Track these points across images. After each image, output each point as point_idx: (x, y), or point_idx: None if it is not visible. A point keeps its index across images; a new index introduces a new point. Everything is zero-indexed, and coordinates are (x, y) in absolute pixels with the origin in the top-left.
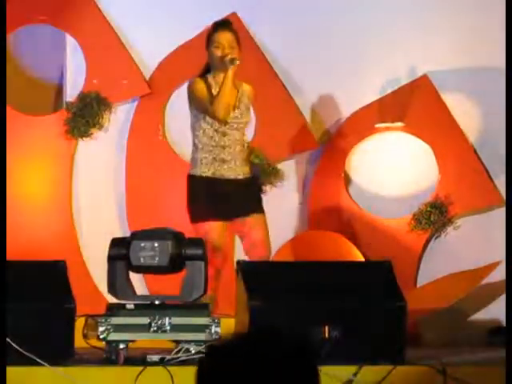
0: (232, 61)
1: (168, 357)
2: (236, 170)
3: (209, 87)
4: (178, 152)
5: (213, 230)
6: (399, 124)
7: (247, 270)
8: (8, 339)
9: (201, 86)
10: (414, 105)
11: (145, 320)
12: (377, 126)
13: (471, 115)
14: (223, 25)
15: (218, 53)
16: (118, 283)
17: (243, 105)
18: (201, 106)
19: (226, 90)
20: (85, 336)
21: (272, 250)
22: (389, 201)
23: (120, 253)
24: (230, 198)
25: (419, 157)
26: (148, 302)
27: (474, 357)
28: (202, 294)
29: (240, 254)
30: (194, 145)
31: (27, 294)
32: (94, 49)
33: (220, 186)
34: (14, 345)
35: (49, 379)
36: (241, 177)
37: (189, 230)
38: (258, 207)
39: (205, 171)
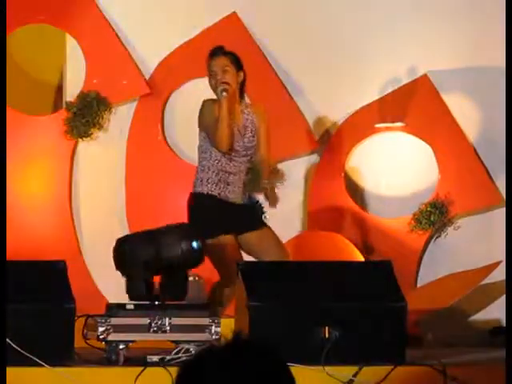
0: (221, 92)
1: (168, 357)
2: (237, 194)
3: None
4: (177, 152)
5: (226, 243)
6: (399, 124)
7: (247, 270)
8: (8, 339)
9: (209, 110)
10: (413, 105)
11: (145, 320)
12: (377, 125)
13: (471, 115)
14: (215, 52)
15: (212, 81)
16: None
17: (249, 131)
18: (206, 132)
19: (223, 122)
20: (85, 336)
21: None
22: (389, 201)
23: None
24: (234, 219)
25: (419, 157)
26: (148, 302)
27: (473, 357)
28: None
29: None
30: (201, 165)
31: (27, 294)
32: (94, 49)
33: (225, 207)
34: (13, 345)
35: (49, 379)
36: (239, 202)
37: None
38: (262, 223)
39: (212, 190)
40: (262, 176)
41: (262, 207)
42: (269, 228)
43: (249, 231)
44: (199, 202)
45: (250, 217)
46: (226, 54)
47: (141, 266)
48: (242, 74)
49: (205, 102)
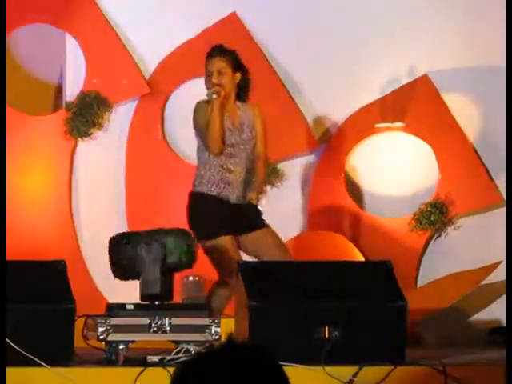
0: (211, 94)
1: (168, 357)
2: (238, 193)
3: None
4: (177, 152)
5: (225, 243)
6: (399, 124)
7: (247, 270)
8: (8, 339)
9: (201, 112)
10: (414, 105)
11: (145, 320)
12: (377, 125)
13: (471, 115)
14: (214, 51)
15: (208, 82)
16: None
17: (246, 126)
18: (199, 134)
19: (213, 126)
20: (84, 336)
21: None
22: (389, 201)
23: None
24: (234, 218)
25: (419, 157)
26: (148, 303)
27: (473, 357)
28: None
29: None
30: (200, 163)
31: (27, 294)
32: (93, 49)
33: (225, 207)
34: (13, 345)
35: (48, 380)
36: (241, 202)
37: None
38: (262, 224)
39: (211, 190)
40: (258, 172)
41: (259, 210)
42: (269, 228)
43: (248, 232)
44: (198, 203)
45: (249, 217)
46: (224, 54)
47: (157, 264)
48: (238, 74)
49: (198, 103)
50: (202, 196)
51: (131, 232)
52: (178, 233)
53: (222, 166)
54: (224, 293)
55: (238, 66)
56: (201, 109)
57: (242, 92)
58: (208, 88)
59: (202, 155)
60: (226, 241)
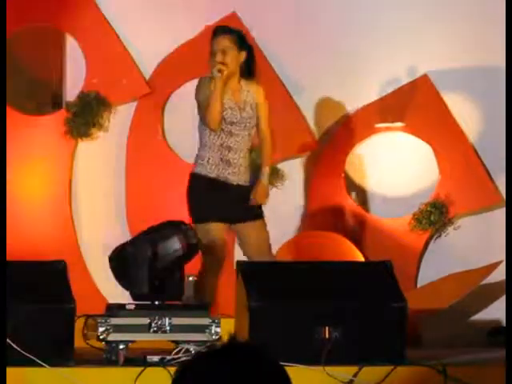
0: (216, 72)
1: (168, 357)
2: (239, 175)
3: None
4: (177, 152)
5: (215, 231)
6: (399, 124)
7: (247, 270)
8: (8, 339)
9: (203, 87)
10: (413, 105)
11: (145, 320)
12: (377, 126)
13: (471, 115)
14: (219, 30)
15: (211, 61)
16: None
17: (249, 106)
18: (199, 108)
19: (214, 100)
20: (85, 336)
21: (272, 250)
22: (389, 201)
23: None
24: (231, 202)
25: (419, 157)
26: (148, 303)
27: (473, 357)
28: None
29: (240, 254)
30: (201, 143)
31: (27, 294)
32: (93, 49)
33: (223, 190)
34: (13, 345)
35: (49, 380)
36: (242, 183)
37: None
38: (258, 213)
39: (210, 172)
40: (265, 154)
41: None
42: (262, 222)
43: (242, 222)
44: (194, 184)
45: (247, 203)
46: (229, 33)
47: (145, 266)
48: (243, 53)
49: (201, 79)
50: (200, 178)
51: (123, 243)
52: (167, 225)
53: (221, 145)
54: (209, 283)
55: (242, 44)
56: (204, 84)
57: (248, 69)
58: (212, 67)
59: (202, 133)
60: (216, 228)
